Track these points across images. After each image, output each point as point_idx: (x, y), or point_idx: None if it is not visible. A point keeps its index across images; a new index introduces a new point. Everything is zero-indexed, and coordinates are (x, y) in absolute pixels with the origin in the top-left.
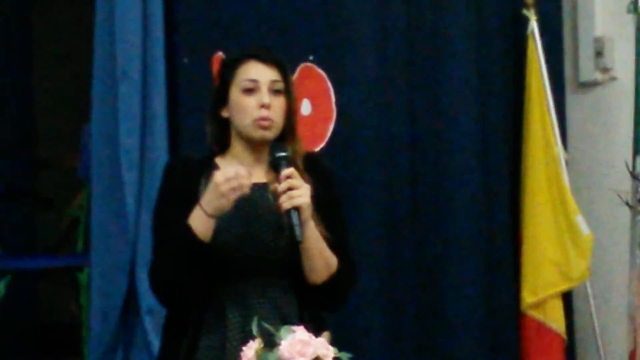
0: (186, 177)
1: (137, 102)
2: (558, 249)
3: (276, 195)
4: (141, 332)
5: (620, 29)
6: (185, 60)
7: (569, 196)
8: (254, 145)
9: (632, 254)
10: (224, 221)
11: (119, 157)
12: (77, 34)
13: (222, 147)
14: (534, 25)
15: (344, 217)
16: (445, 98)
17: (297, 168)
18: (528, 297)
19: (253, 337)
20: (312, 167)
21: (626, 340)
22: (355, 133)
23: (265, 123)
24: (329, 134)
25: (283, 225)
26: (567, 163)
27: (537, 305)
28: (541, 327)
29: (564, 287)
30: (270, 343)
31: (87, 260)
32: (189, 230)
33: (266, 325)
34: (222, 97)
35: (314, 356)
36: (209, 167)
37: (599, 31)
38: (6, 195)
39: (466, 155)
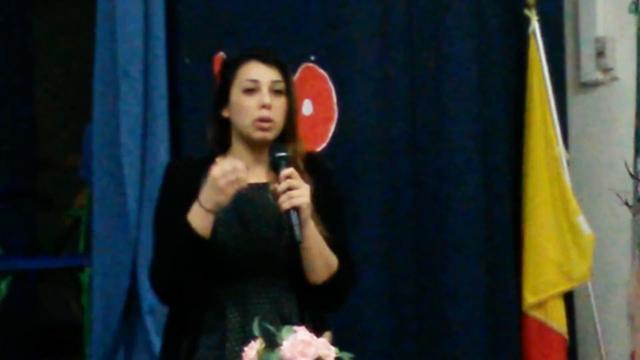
0: (187, 178)
1: (138, 102)
2: (559, 249)
3: (276, 195)
4: (142, 332)
5: (622, 29)
6: (187, 60)
7: (570, 196)
8: (254, 145)
9: (633, 254)
10: (224, 221)
11: (120, 157)
12: (78, 33)
13: (223, 147)
14: (535, 25)
15: (345, 217)
16: (446, 98)
17: (297, 168)
18: (529, 298)
19: (253, 337)
20: (312, 167)
21: (627, 340)
22: (356, 133)
23: (266, 124)
24: (330, 134)
25: (283, 225)
26: (568, 163)
27: (539, 305)
28: (542, 327)
29: (565, 287)
30: (272, 343)
31: (89, 261)
32: (188, 226)
33: (267, 326)
34: (223, 97)
35: (315, 356)
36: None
37: (600, 31)
38: (6, 195)
39: (467, 155)
